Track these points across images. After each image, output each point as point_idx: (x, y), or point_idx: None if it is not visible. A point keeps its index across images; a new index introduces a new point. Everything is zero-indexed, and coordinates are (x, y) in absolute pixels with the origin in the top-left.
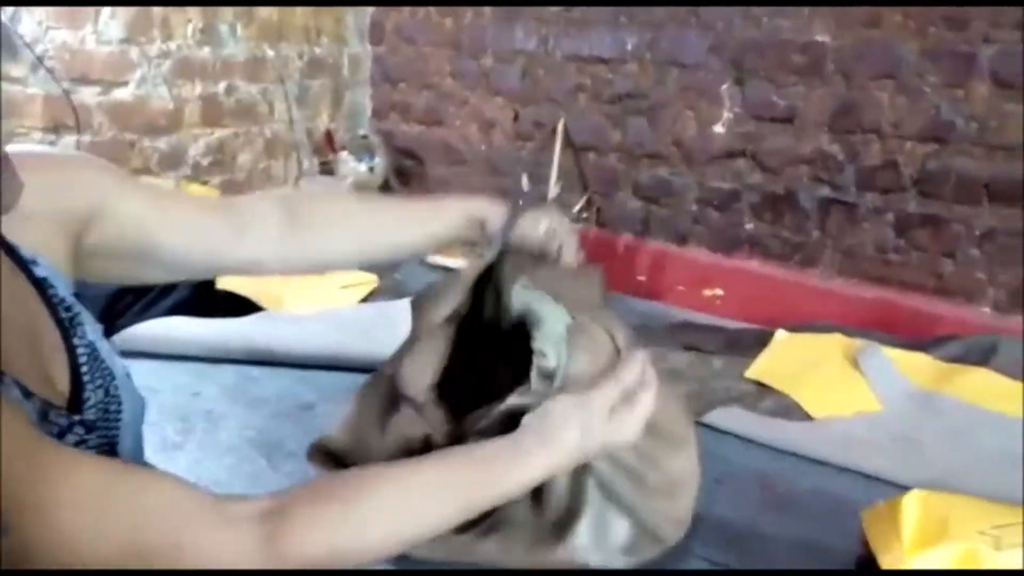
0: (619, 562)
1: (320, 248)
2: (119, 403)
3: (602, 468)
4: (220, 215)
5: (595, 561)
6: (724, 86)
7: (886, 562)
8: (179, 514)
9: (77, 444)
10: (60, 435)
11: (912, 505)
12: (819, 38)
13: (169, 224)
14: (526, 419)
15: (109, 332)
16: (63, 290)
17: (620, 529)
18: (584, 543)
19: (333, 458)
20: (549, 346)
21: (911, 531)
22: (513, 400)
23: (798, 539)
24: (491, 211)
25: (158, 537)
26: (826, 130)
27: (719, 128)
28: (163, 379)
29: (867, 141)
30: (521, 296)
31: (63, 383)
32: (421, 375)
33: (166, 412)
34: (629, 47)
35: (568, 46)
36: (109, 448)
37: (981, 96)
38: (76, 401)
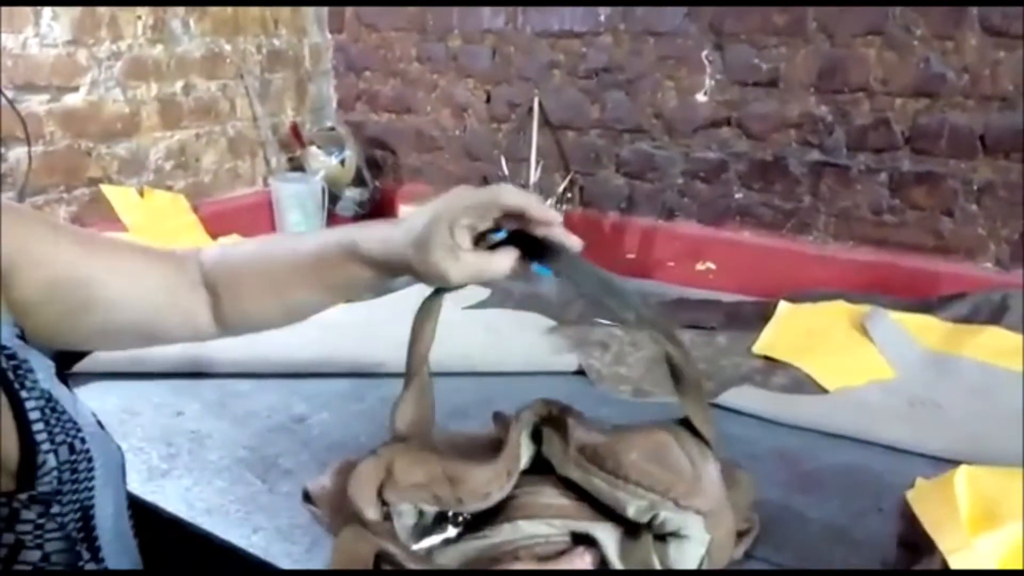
0: None
1: (239, 313)
2: (89, 459)
3: None
4: (160, 261)
5: None
6: (704, 53)
7: (946, 545)
8: None
9: (33, 531)
10: (5, 528)
11: (964, 482)
12: None
13: (112, 266)
14: None
15: (81, 355)
16: (4, 335)
17: None
18: None
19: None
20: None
21: (969, 511)
22: None
23: (831, 519)
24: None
25: None
26: (812, 92)
27: (701, 97)
28: (142, 400)
29: (856, 100)
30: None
31: (10, 449)
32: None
33: (149, 436)
34: (602, 19)
35: (538, 22)
36: (83, 516)
37: (971, 46)
38: (28, 470)
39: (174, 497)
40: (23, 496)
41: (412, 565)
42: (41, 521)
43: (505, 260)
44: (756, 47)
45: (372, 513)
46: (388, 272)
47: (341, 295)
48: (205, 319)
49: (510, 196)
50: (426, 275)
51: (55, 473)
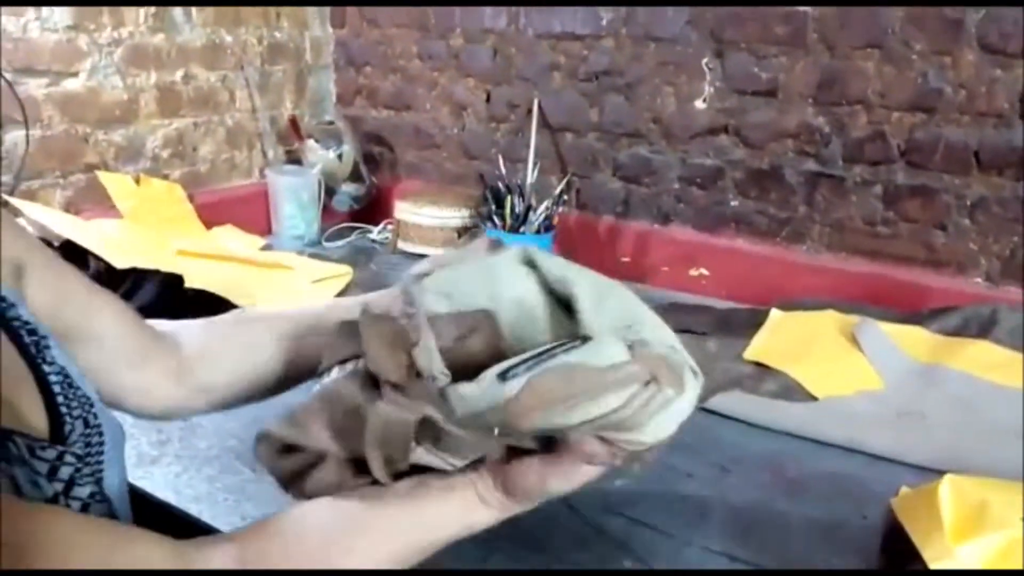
0: None
1: (212, 388)
2: (100, 433)
3: None
4: (137, 325)
5: None
6: (704, 60)
7: (929, 553)
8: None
9: (72, 477)
10: (52, 472)
11: (948, 491)
12: (801, 7)
13: (102, 303)
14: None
15: None
16: (23, 310)
17: None
18: None
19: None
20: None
21: (952, 519)
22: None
23: (814, 526)
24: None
25: None
26: (811, 102)
27: (700, 103)
28: None
29: (853, 112)
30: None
31: (38, 418)
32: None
33: (140, 423)
34: (604, 22)
35: (540, 23)
36: (96, 485)
37: (968, 62)
38: (58, 436)
39: (163, 484)
40: (62, 448)
41: (460, 432)
42: (79, 469)
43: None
44: (756, 56)
45: (400, 375)
46: None
47: (308, 369)
48: (164, 394)
49: None
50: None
51: (80, 443)
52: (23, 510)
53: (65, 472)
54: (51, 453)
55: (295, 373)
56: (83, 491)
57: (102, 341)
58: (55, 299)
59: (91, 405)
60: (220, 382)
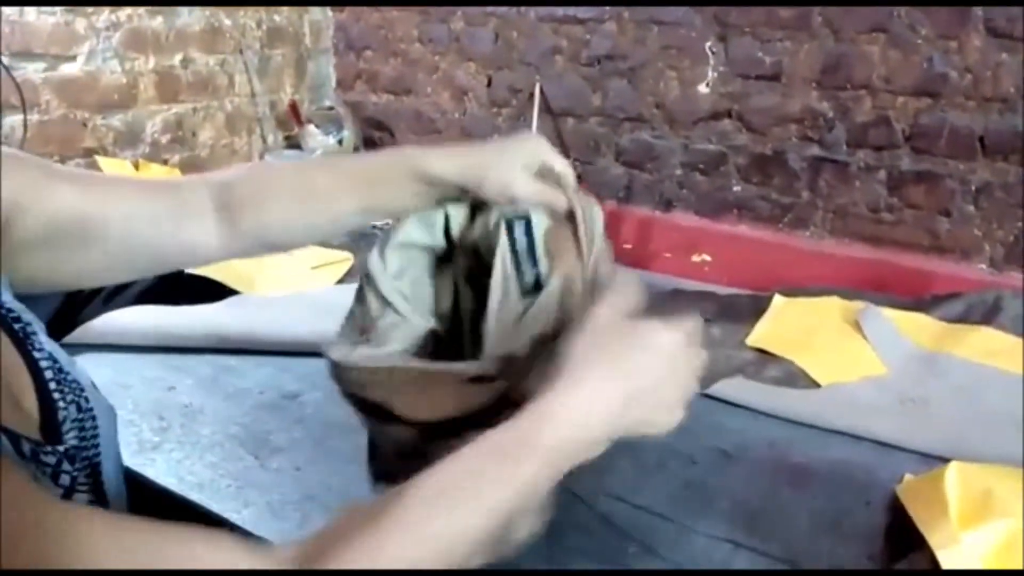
0: None
1: (259, 228)
2: (93, 418)
3: None
4: (159, 193)
5: None
6: (707, 44)
7: (935, 540)
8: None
9: (72, 484)
10: (54, 478)
11: (955, 478)
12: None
13: (109, 201)
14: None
15: (72, 325)
16: (6, 296)
17: None
18: None
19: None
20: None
21: (958, 506)
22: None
23: (818, 513)
24: (450, 165)
25: None
26: (815, 87)
27: (703, 88)
28: (133, 373)
29: (857, 97)
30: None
31: (32, 408)
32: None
33: (140, 409)
34: (607, 5)
35: (542, 7)
36: (91, 473)
37: (975, 47)
38: (52, 428)
39: (165, 470)
40: (60, 448)
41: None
42: (74, 476)
43: (562, 196)
44: (760, 40)
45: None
46: (450, 191)
47: (382, 214)
48: (211, 244)
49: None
50: (496, 189)
51: (73, 433)
52: (53, 504)
53: (65, 479)
54: (51, 459)
55: (357, 218)
56: (82, 498)
57: (119, 237)
58: (50, 223)
59: (82, 390)
60: (274, 226)
